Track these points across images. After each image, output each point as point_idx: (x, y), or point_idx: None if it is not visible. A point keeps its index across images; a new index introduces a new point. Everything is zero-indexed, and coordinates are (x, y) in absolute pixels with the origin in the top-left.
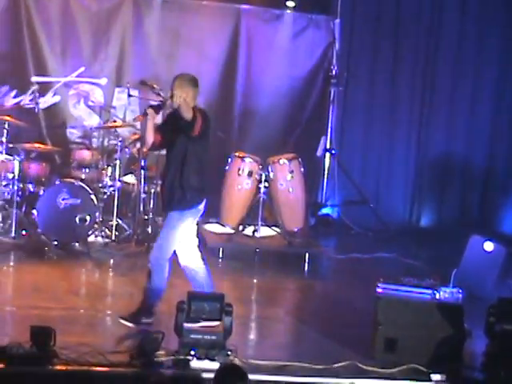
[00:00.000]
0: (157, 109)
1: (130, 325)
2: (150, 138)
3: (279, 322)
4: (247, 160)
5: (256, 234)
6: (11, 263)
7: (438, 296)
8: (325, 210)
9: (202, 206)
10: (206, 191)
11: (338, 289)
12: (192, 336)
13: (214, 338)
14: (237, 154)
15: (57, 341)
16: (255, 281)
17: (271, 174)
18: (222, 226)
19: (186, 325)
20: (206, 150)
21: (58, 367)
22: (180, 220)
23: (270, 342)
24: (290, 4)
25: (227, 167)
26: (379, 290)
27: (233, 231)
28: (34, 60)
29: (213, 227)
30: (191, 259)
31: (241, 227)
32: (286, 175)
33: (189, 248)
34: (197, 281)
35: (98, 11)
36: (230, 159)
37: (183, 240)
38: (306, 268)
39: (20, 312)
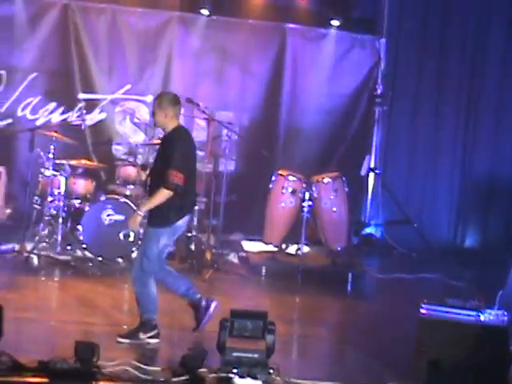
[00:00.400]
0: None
1: (126, 341)
2: None
3: (322, 341)
4: (291, 178)
5: (299, 253)
6: (56, 278)
7: (482, 318)
8: (368, 230)
9: (181, 223)
10: (186, 210)
11: (381, 309)
12: (234, 354)
13: (256, 356)
14: (281, 172)
15: (100, 356)
16: (298, 299)
17: (315, 193)
18: (265, 243)
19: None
20: (187, 169)
21: (101, 383)
22: (157, 236)
23: (313, 361)
24: (335, 23)
25: (271, 185)
26: (423, 311)
27: (276, 249)
28: (81, 77)
29: (256, 245)
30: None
31: (284, 245)
32: (330, 194)
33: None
34: (172, 285)
35: (145, 29)
36: (273, 177)
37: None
38: (349, 287)
39: (64, 327)
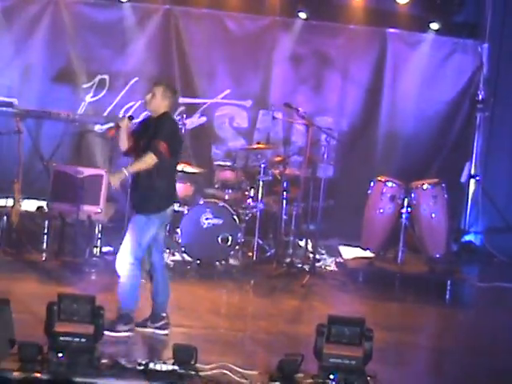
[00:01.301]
0: (130, 119)
1: (110, 334)
2: (124, 145)
3: (419, 349)
4: (390, 184)
5: (397, 259)
6: None
7: None
8: (468, 237)
9: (169, 212)
10: (174, 198)
11: (481, 318)
12: (332, 360)
13: (353, 363)
14: (379, 177)
15: (198, 359)
16: (395, 306)
17: (414, 199)
18: (363, 249)
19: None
20: (175, 149)
21: None
22: (149, 223)
23: (410, 369)
24: (434, 26)
25: (369, 191)
26: None
27: (373, 255)
28: (182, 82)
29: (354, 250)
30: (156, 263)
31: (382, 251)
32: (429, 200)
33: (155, 251)
34: (156, 286)
35: (245, 34)
36: (372, 183)
37: (151, 243)
38: (448, 295)
39: None
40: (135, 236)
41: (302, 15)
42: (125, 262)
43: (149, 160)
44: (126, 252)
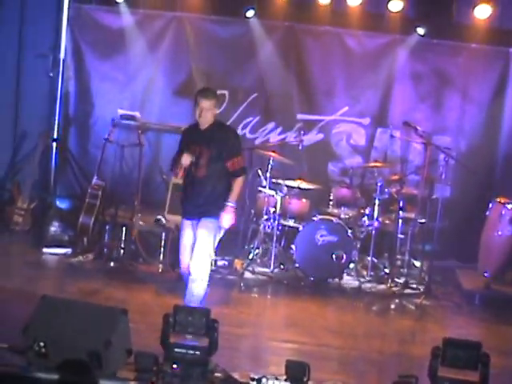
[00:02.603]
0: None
1: None
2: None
3: None
4: (510, 206)
5: None
6: (268, 296)
7: None
8: None
9: None
10: None
11: None
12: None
13: None
14: (499, 199)
15: (310, 376)
16: None
17: None
18: (480, 271)
19: None
20: None
21: None
22: (218, 226)
23: None
24: None
25: (488, 212)
26: None
27: (491, 278)
28: (300, 98)
29: (471, 273)
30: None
31: (499, 274)
32: None
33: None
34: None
35: (366, 52)
36: (491, 204)
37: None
38: None
39: (276, 345)
40: (211, 239)
41: (420, 31)
42: (205, 266)
43: (242, 182)
44: (204, 256)
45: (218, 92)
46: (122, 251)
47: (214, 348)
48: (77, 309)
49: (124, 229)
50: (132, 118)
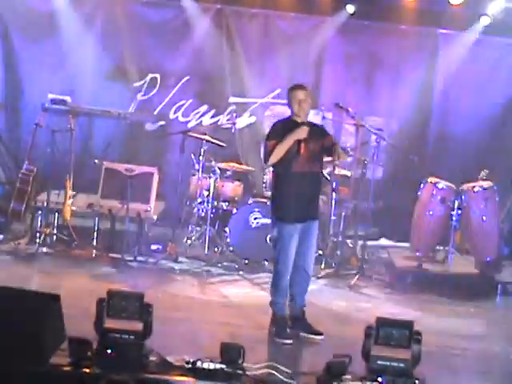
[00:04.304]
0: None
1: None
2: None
3: (468, 353)
4: (440, 186)
5: (446, 261)
6: (203, 279)
7: None
8: None
9: None
10: None
11: None
12: (379, 362)
13: (401, 365)
14: (430, 179)
15: (245, 358)
16: (444, 309)
17: (464, 202)
18: (412, 251)
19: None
20: None
21: None
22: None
23: (459, 372)
24: (485, 20)
25: (419, 192)
26: None
27: (423, 257)
28: (232, 81)
29: (403, 252)
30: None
31: (431, 254)
32: (480, 203)
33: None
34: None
35: (296, 34)
36: (422, 184)
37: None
38: (498, 298)
39: (211, 328)
40: (315, 244)
41: (350, 9)
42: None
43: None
44: (314, 256)
45: (150, 76)
46: (54, 237)
47: (148, 332)
48: (9, 295)
49: (56, 214)
50: (63, 102)
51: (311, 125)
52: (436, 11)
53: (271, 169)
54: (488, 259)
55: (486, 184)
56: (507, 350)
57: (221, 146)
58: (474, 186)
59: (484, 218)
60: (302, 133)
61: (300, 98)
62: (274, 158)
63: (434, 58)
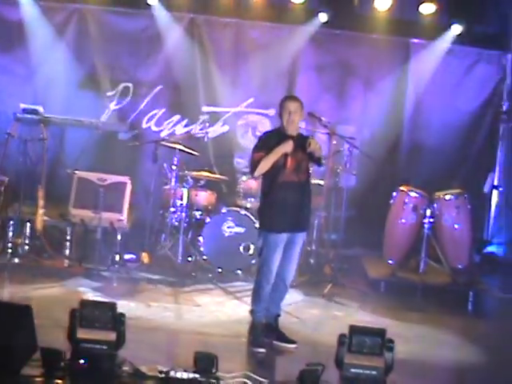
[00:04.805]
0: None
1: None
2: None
3: (440, 361)
4: (412, 194)
5: (419, 270)
6: (176, 288)
7: None
8: (490, 248)
9: None
10: None
11: (503, 329)
12: (353, 370)
13: (374, 373)
14: (402, 187)
15: (219, 367)
16: (417, 317)
17: (436, 209)
18: (385, 259)
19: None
20: None
21: None
22: None
23: (431, 380)
24: (456, 28)
25: (392, 201)
26: None
27: (395, 265)
28: (205, 90)
29: (376, 260)
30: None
31: (404, 262)
32: (452, 211)
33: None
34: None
35: (269, 43)
36: (395, 193)
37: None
38: (470, 306)
39: (184, 337)
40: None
41: (323, 17)
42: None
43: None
44: (295, 268)
45: (122, 85)
46: (26, 247)
47: (121, 342)
48: None
49: (28, 224)
50: (35, 112)
51: (300, 136)
52: (407, 21)
53: (260, 178)
54: (460, 267)
55: (457, 192)
56: (478, 358)
57: (194, 154)
58: (445, 194)
59: (456, 225)
60: (287, 147)
61: (290, 110)
62: (260, 170)
63: (405, 67)
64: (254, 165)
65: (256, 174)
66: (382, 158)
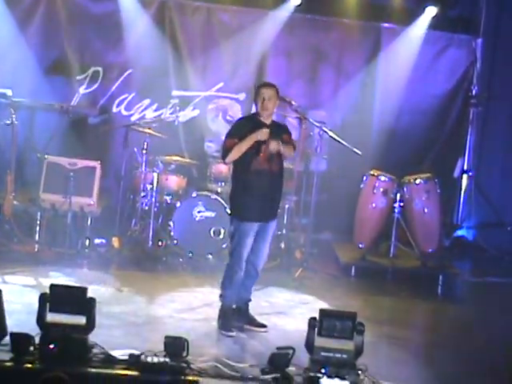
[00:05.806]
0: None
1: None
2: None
3: (410, 344)
4: (382, 178)
5: (389, 254)
6: (146, 273)
7: None
8: (460, 232)
9: None
10: None
11: (472, 313)
12: (323, 354)
13: (344, 356)
14: (372, 172)
15: (190, 351)
16: (387, 301)
17: (406, 194)
18: (356, 243)
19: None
20: None
21: (190, 378)
22: None
23: (401, 363)
24: (431, 10)
25: (362, 185)
26: None
27: (366, 250)
28: (175, 74)
29: (346, 245)
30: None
31: (374, 246)
32: (422, 195)
33: None
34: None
35: (239, 27)
36: (365, 177)
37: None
38: (440, 290)
39: (155, 321)
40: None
41: (295, 1)
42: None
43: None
44: (266, 255)
45: (92, 69)
46: None
47: (91, 326)
48: None
49: None
50: (3, 95)
51: (274, 125)
52: (379, 5)
53: (232, 164)
54: (430, 251)
55: (427, 176)
56: (448, 341)
57: (163, 138)
58: (415, 178)
59: (425, 209)
60: (262, 135)
61: (264, 97)
62: (232, 157)
63: (376, 52)
64: (226, 151)
65: (227, 160)
66: (352, 142)
